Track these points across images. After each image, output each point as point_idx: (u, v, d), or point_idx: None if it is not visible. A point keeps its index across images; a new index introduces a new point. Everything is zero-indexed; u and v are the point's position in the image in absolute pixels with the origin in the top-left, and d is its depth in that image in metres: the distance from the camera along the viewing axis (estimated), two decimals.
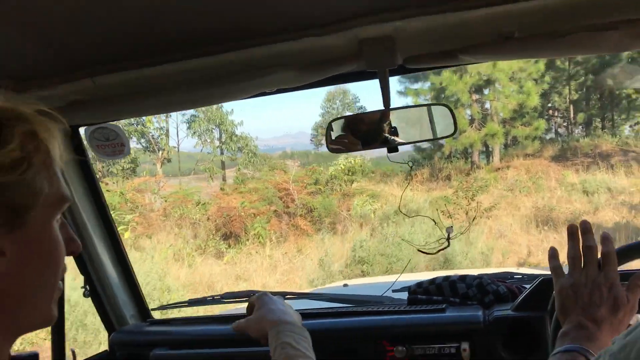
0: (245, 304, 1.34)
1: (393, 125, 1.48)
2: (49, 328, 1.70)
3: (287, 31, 1.06)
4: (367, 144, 1.53)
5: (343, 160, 17.13)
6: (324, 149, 31.58)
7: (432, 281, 1.79)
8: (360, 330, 1.65)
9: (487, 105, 20.23)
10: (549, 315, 1.33)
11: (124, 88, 1.26)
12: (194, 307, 2.02)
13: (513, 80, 19.04)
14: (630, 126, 26.32)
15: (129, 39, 1.08)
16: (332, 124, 1.54)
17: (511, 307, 1.56)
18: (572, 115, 25.67)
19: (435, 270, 7.29)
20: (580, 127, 27.02)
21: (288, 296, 1.95)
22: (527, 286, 1.61)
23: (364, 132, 1.51)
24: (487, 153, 21.68)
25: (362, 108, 31.14)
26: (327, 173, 16.74)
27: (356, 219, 13.72)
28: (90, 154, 1.71)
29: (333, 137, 1.53)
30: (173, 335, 1.84)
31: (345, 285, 2.95)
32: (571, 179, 16.50)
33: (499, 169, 19.54)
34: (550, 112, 27.17)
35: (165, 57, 1.13)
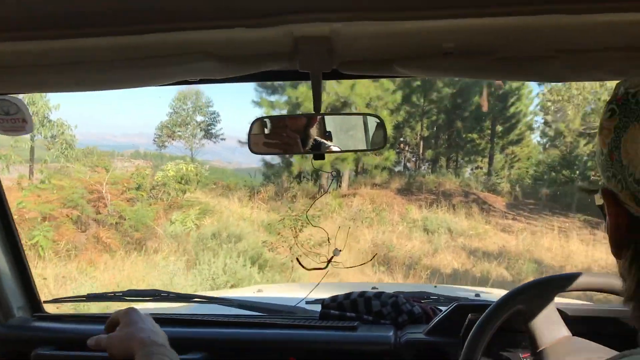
0: (148, 304, 1.64)
1: (327, 130, 1.42)
2: None
3: (216, 18, 0.94)
4: (292, 148, 1.47)
5: (173, 166, 14.82)
6: (168, 150, 29.90)
7: (347, 296, 1.75)
8: (267, 343, 1.58)
9: None
10: (460, 342, 1.33)
11: (29, 59, 1.10)
12: (92, 303, 2.23)
13: (369, 107, 18.30)
14: (471, 169, 27.51)
15: (40, 4, 0.93)
16: (254, 124, 1.42)
17: (424, 330, 1.53)
18: (421, 151, 25.91)
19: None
20: (427, 163, 27.54)
21: (195, 299, 1.94)
22: (442, 308, 1.60)
23: (290, 135, 1.41)
24: (337, 178, 20.74)
25: (214, 113, 28.96)
26: (153, 179, 14.26)
27: (169, 238, 11.50)
28: None
29: (255, 138, 1.40)
30: (61, 333, 1.69)
31: (259, 290, 2.72)
32: (414, 214, 15.93)
33: (345, 195, 18.64)
34: (402, 145, 27.36)
35: (79, 30, 0.97)
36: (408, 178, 22.62)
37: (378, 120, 1.43)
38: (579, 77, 1.11)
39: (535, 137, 27.68)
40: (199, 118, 28.72)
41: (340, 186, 20.14)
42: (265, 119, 1.47)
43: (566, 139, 24.76)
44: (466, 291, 2.58)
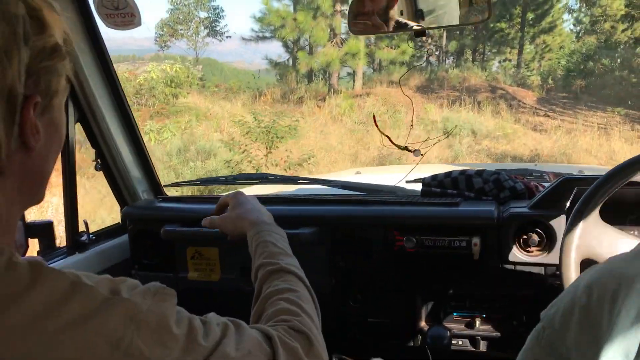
0: (256, 185, 1.84)
1: (419, 6, 1.40)
2: (63, 199, 1.69)
3: None
4: (393, 26, 1.42)
5: (155, 66, 13.11)
6: (171, 51, 27.80)
7: (448, 174, 1.73)
8: (371, 219, 1.62)
9: None
10: (565, 216, 1.38)
11: None
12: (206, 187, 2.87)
13: None
14: (499, 62, 25.48)
15: None
16: (354, 3, 1.42)
17: (528, 204, 1.50)
18: (444, 43, 23.64)
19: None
20: (451, 56, 25.38)
21: (300, 181, 2.03)
22: (546, 185, 1.59)
23: (387, 12, 1.39)
24: (353, 76, 18.89)
25: (218, 8, 26.68)
26: (135, 81, 12.50)
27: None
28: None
29: (354, 17, 1.41)
30: (184, 213, 1.80)
31: (357, 172, 2.71)
32: (433, 114, 14.29)
33: (358, 95, 16.96)
34: (424, 37, 25.05)
35: None
36: (429, 74, 20.65)
37: None
38: None
39: (567, 26, 25.49)
40: (202, 14, 26.53)
41: (354, 85, 18.43)
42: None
43: (603, 25, 22.69)
44: (569, 168, 2.40)
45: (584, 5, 24.38)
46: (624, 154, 11.29)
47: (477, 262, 1.52)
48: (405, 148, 1.77)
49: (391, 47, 16.86)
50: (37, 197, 0.68)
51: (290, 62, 17.44)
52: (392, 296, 1.69)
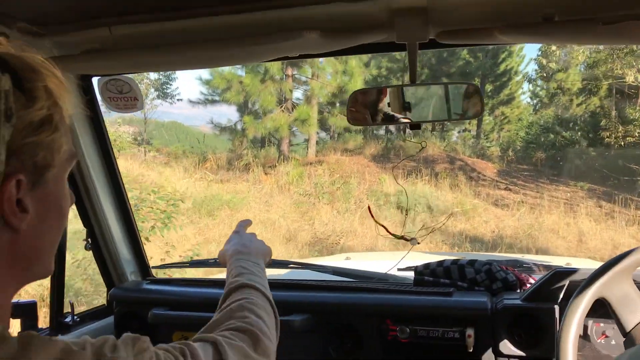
0: None
1: (418, 102, 1.45)
2: (49, 279, 1.66)
3: None
4: (391, 119, 1.48)
5: None
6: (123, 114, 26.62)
7: (440, 263, 1.75)
8: (364, 307, 1.62)
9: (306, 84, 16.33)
10: (559, 308, 1.43)
11: (142, 40, 1.24)
12: (196, 269, 2.40)
13: (339, 58, 15.32)
14: (459, 132, 25.00)
15: None
16: (352, 97, 1.48)
17: (520, 296, 1.53)
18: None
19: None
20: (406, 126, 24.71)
21: (291, 265, 2.04)
22: (536, 276, 1.64)
23: (387, 106, 1.45)
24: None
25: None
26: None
27: None
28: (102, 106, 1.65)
29: (352, 111, 1.47)
30: (172, 296, 1.79)
31: (347, 258, 2.75)
32: (387, 187, 13.15)
33: (310, 163, 15.81)
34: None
35: (188, 11, 1.12)
36: (386, 142, 19.79)
37: (473, 88, 1.43)
38: None
39: (525, 98, 25.88)
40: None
41: (308, 151, 17.34)
42: (363, 92, 1.50)
43: (561, 98, 22.67)
44: (555, 259, 2.41)
45: (540, 79, 24.50)
46: (593, 235, 10.27)
47: (470, 354, 1.51)
48: (402, 237, 1.75)
49: (343, 114, 15.92)
50: (38, 273, 0.67)
51: (239, 126, 16.27)
52: None
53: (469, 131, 24.63)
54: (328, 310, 1.63)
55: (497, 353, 1.49)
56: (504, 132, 24.03)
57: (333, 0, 1.02)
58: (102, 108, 1.64)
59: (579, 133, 19.55)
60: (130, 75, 1.53)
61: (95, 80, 1.57)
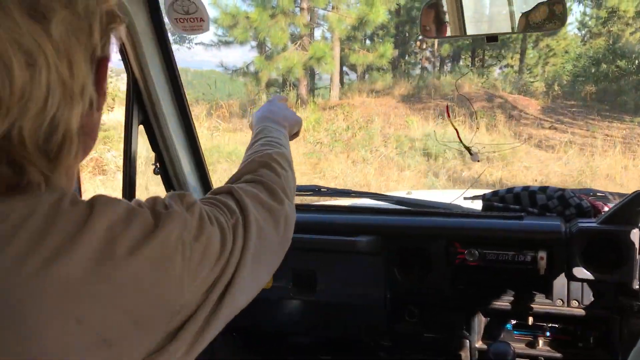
0: (309, 197, 1.98)
1: (495, 12, 1.40)
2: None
3: None
4: (466, 30, 1.43)
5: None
6: None
7: (510, 190, 1.70)
8: (432, 230, 1.60)
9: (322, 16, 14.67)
10: (639, 231, 1.35)
11: None
12: None
13: None
14: (500, 67, 23.25)
15: None
16: (426, 6, 1.42)
17: (597, 219, 1.47)
18: (436, 47, 21.08)
19: None
20: (448, 62, 22.92)
21: (352, 194, 2.05)
22: (612, 204, 1.56)
23: (460, 16, 1.40)
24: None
25: None
26: None
27: None
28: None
29: (427, 20, 1.42)
30: None
31: (408, 193, 2.61)
32: (414, 130, 11.66)
33: (332, 107, 14.39)
34: (418, 43, 22.60)
35: None
36: (417, 80, 18.08)
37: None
38: None
39: (572, 29, 23.79)
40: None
41: (331, 93, 15.89)
42: (435, 2, 1.41)
43: (611, 27, 20.55)
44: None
45: (590, 7, 22.29)
46: None
47: (542, 278, 1.47)
48: (468, 149, 1.72)
49: (367, 50, 14.29)
50: (85, 156, 0.71)
51: (252, 68, 14.86)
52: (451, 312, 1.61)
53: (512, 66, 22.91)
54: (395, 232, 1.60)
55: (571, 277, 1.44)
56: (549, 67, 22.33)
57: None
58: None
59: (637, 62, 17.32)
60: None
61: (161, 2, 1.51)
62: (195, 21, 1.48)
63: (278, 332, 1.80)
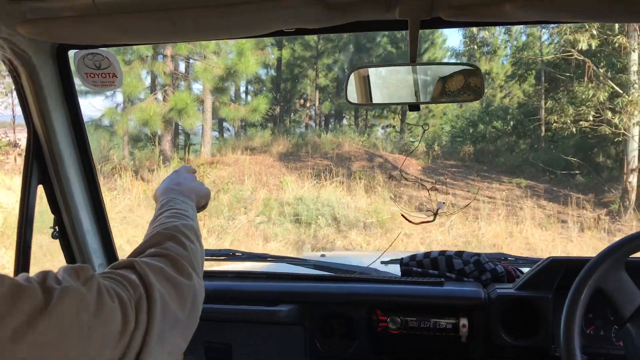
0: (223, 263, 1.87)
1: (418, 82, 1.41)
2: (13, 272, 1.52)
3: None
4: (390, 99, 1.46)
5: None
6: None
7: (427, 255, 1.72)
8: (353, 297, 1.56)
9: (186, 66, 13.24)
10: (553, 296, 1.39)
11: (128, 6, 1.11)
12: None
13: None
14: (382, 127, 23.35)
15: None
16: (352, 74, 1.41)
17: (514, 285, 1.49)
18: (317, 104, 20.41)
19: None
20: (329, 120, 22.39)
21: (269, 259, 1.96)
22: (523, 269, 1.62)
23: (386, 86, 1.44)
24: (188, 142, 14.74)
25: None
26: None
27: None
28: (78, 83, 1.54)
29: (352, 89, 1.41)
30: None
31: (322, 255, 2.54)
32: (288, 192, 10.35)
33: (199, 165, 12.82)
34: (301, 101, 21.91)
35: None
36: (297, 138, 17.08)
37: (475, 72, 1.37)
38: None
39: None
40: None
41: (202, 150, 14.33)
42: (363, 69, 1.42)
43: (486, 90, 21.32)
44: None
45: None
46: (545, 247, 7.94)
47: (464, 345, 1.47)
48: (435, 214, 1.76)
49: (238, 104, 13.02)
50: None
51: (107, 121, 12.97)
52: None
53: (394, 127, 22.93)
54: (315, 300, 1.55)
55: (491, 344, 1.44)
56: (429, 128, 22.36)
57: None
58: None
59: (511, 123, 17.60)
60: (109, 50, 1.41)
61: (71, 55, 1.44)
62: (107, 77, 1.42)
63: None
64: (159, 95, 12.25)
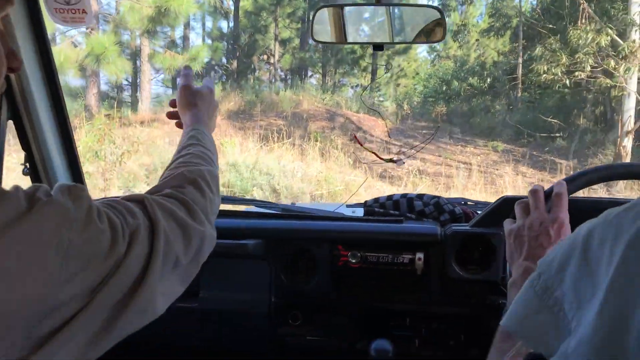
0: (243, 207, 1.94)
1: (382, 22, 1.48)
2: None
3: None
4: (354, 38, 1.52)
5: None
6: None
7: (390, 197, 1.77)
8: (317, 233, 1.64)
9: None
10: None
11: None
12: None
13: None
14: (352, 87, 21.78)
15: None
16: (317, 13, 1.46)
17: (469, 223, 1.56)
18: (276, 58, 18.55)
19: None
20: (291, 75, 20.62)
21: (237, 202, 2.09)
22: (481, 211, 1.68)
23: (351, 24, 1.48)
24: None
25: None
26: None
27: None
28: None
29: (317, 27, 1.47)
30: None
31: (293, 203, 2.52)
32: (231, 155, 8.66)
33: (130, 124, 11.05)
34: (264, 56, 20.03)
35: None
36: (252, 93, 15.32)
37: (438, 13, 1.42)
38: None
39: (421, 52, 24.01)
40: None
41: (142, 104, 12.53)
42: (327, 8, 1.48)
43: (457, 52, 20.06)
44: None
45: None
46: None
47: (419, 278, 1.56)
48: (391, 160, 1.81)
49: (175, 52, 11.13)
50: None
51: None
52: (333, 314, 1.65)
53: (362, 86, 21.41)
54: (280, 236, 1.62)
55: (446, 277, 1.52)
56: (400, 88, 21.20)
57: None
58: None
59: (488, 80, 16.10)
60: None
61: None
62: (77, 12, 1.39)
63: (161, 344, 1.70)
64: (80, 38, 10.32)
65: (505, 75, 15.89)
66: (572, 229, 0.95)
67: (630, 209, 0.54)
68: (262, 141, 9.86)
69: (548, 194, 1.04)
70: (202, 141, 1.01)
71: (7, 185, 0.65)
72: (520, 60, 15.67)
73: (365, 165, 9.16)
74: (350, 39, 1.48)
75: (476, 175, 9.38)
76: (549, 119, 13.33)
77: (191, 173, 0.88)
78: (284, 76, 20.69)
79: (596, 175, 1.14)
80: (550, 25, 13.62)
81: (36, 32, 1.44)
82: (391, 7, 1.46)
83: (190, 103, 1.09)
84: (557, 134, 13.66)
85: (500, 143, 12.29)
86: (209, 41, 18.61)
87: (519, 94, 15.89)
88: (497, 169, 10.32)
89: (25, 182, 1.48)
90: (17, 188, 0.60)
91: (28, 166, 1.58)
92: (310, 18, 1.42)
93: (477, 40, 19.10)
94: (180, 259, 0.76)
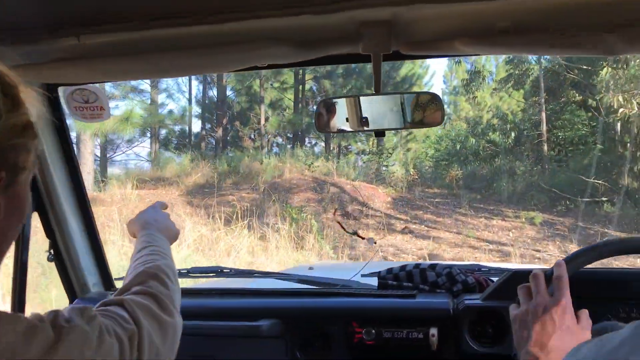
0: (211, 279, 1.99)
1: (383, 110, 1.53)
2: (11, 293, 1.67)
3: (286, 7, 1.06)
4: (356, 127, 1.54)
5: None
6: None
7: (403, 268, 1.81)
8: (330, 311, 1.68)
9: None
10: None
11: (111, 49, 1.21)
12: None
13: None
14: (357, 154, 19.78)
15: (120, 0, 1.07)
16: (320, 105, 1.56)
17: (480, 296, 1.59)
18: (262, 122, 16.28)
19: None
20: (290, 144, 18.53)
21: (256, 275, 2.06)
22: (495, 279, 1.69)
23: (353, 114, 1.51)
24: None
25: None
26: None
27: None
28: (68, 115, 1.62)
29: (320, 118, 1.53)
30: None
31: (310, 268, 2.77)
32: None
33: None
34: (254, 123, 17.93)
35: (157, 22, 1.12)
36: (230, 162, 12.94)
37: (435, 98, 1.47)
38: (635, 50, 1.13)
39: None
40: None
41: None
42: (329, 100, 1.69)
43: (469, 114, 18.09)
44: (514, 266, 2.39)
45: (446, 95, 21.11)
46: None
47: (434, 354, 1.56)
48: (355, 233, 1.83)
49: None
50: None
51: None
52: None
53: (371, 152, 19.26)
54: (295, 315, 1.66)
55: (460, 351, 1.54)
56: (410, 153, 19.38)
57: (303, 13, 1.04)
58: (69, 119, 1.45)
59: (512, 134, 13.54)
60: (97, 85, 1.51)
61: (60, 90, 1.54)
62: (95, 109, 1.49)
63: None
64: None
65: (532, 130, 13.41)
66: (580, 300, 1.04)
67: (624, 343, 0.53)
68: (227, 224, 7.27)
69: (549, 277, 1.07)
70: (153, 241, 1.08)
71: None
72: (542, 114, 13.30)
73: (365, 240, 6.48)
74: (352, 128, 1.50)
75: (512, 258, 6.71)
76: (592, 180, 10.70)
77: (150, 269, 0.95)
78: (275, 143, 18.47)
79: (595, 253, 1.17)
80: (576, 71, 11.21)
81: (58, 130, 1.59)
82: (391, 95, 1.70)
83: (136, 219, 1.20)
84: (603, 198, 10.95)
85: (537, 213, 9.55)
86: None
87: (546, 151, 13.38)
88: (538, 249, 7.56)
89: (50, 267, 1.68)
90: (40, 319, 0.66)
91: (52, 252, 1.71)
92: (315, 109, 1.59)
93: (494, 89, 16.79)
94: (160, 350, 0.83)
